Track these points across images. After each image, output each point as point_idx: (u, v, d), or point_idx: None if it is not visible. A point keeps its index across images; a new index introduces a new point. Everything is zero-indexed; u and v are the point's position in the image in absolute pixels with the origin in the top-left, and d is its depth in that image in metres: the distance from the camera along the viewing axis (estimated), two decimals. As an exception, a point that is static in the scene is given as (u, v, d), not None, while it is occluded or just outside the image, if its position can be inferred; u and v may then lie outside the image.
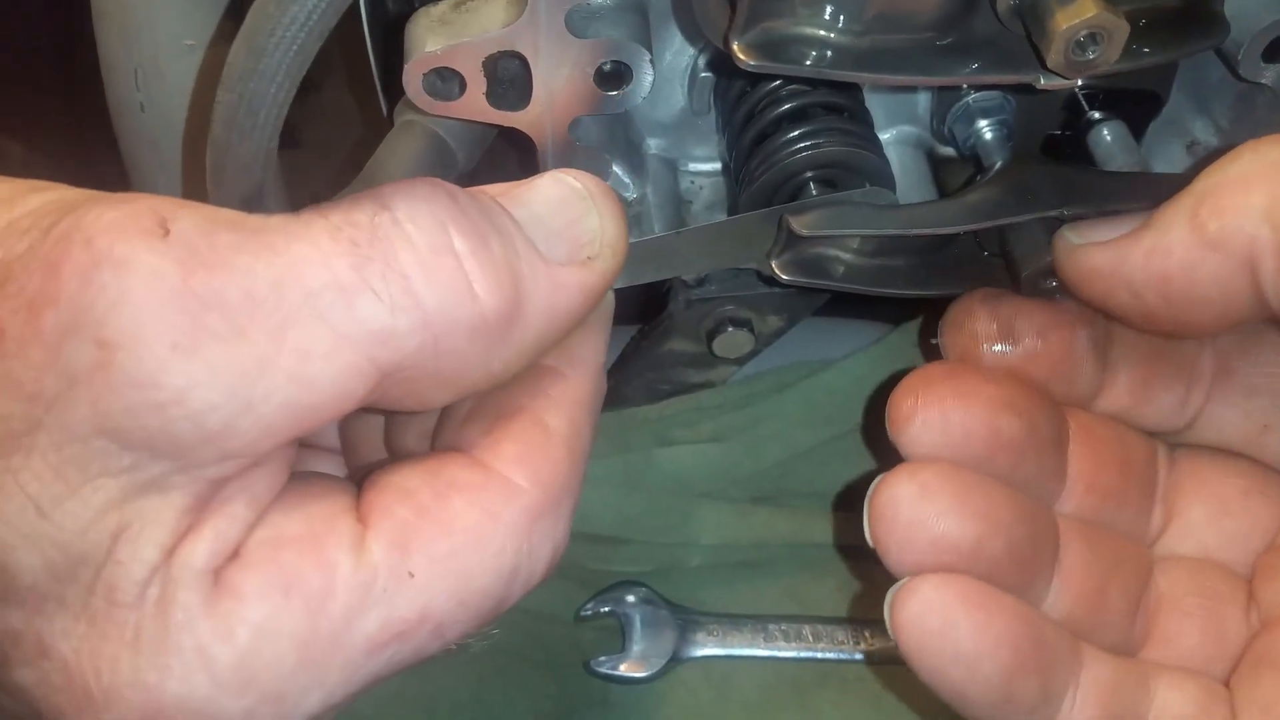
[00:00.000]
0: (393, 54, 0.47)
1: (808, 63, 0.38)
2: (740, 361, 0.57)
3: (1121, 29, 0.38)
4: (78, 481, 0.28)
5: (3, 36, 1.05)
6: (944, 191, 0.53)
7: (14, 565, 0.29)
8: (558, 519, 0.35)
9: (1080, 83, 0.44)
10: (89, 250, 0.28)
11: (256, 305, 0.29)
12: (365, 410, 0.34)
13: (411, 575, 0.32)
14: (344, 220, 0.31)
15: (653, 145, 0.53)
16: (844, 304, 0.56)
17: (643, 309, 0.58)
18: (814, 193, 0.46)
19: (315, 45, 0.33)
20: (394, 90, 0.49)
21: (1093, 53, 0.38)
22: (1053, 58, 0.38)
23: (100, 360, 0.28)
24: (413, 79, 0.43)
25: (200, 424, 0.29)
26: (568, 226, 0.36)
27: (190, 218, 0.30)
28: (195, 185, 0.50)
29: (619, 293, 0.44)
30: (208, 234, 0.29)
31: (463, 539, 0.33)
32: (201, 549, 0.30)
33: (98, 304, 0.28)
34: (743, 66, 0.38)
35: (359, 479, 0.37)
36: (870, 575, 0.57)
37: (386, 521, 0.33)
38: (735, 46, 0.38)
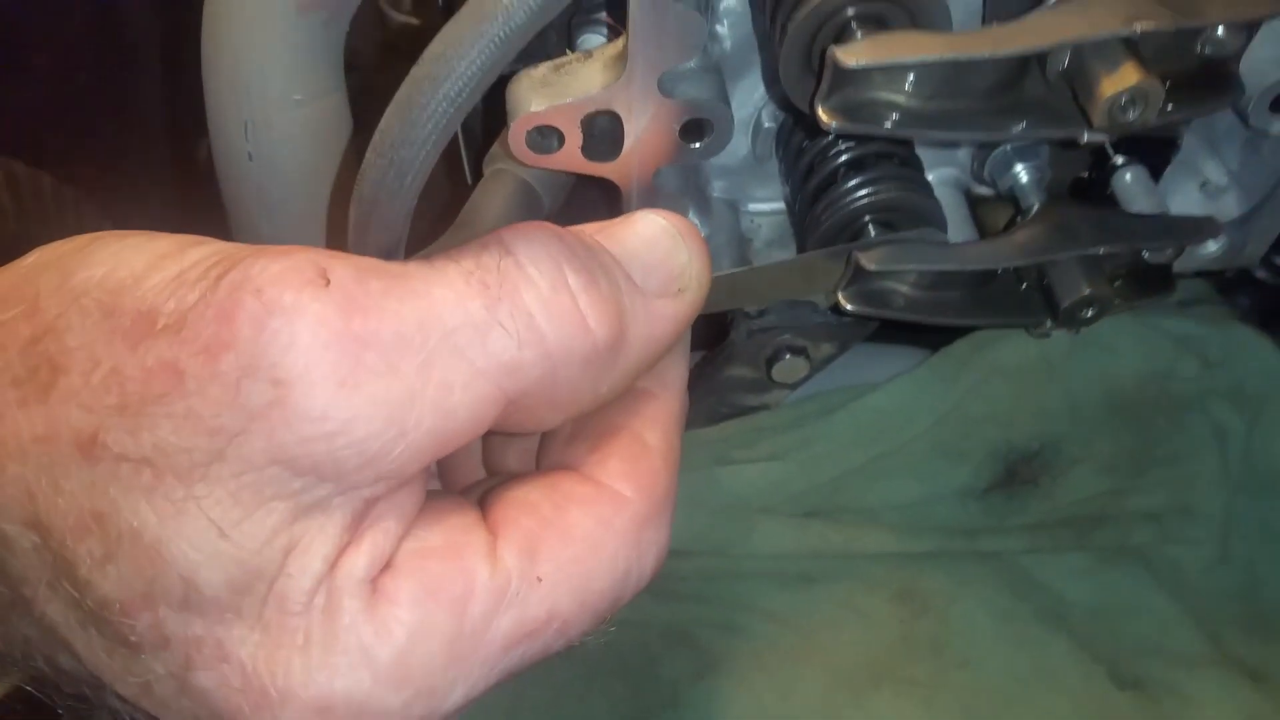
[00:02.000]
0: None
1: (887, 125, 0.43)
2: (794, 386, 0.61)
3: (1158, 93, 0.43)
4: (253, 505, 0.31)
5: (44, 71, 1.08)
6: (981, 227, 0.58)
7: (198, 580, 0.32)
8: (661, 525, 0.39)
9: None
10: (260, 299, 0.31)
11: (406, 343, 0.32)
12: (489, 433, 0.37)
13: (540, 579, 0.35)
14: (474, 264, 0.35)
15: (717, 188, 0.57)
16: (886, 332, 0.61)
17: (704, 338, 0.63)
18: (873, 234, 0.51)
19: (460, 118, 0.37)
20: (476, 149, 0.54)
21: (1133, 113, 0.43)
22: (1098, 119, 0.43)
23: (276, 398, 0.31)
24: (517, 136, 0.47)
25: (362, 451, 0.32)
26: (661, 261, 0.39)
27: (344, 267, 0.33)
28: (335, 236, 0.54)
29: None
30: (361, 281, 0.33)
31: (582, 546, 0.36)
32: (361, 561, 0.33)
33: (271, 347, 0.31)
34: (826, 128, 0.43)
35: (475, 495, 0.40)
36: (916, 589, 0.62)
37: (514, 531, 0.36)
38: (820, 110, 0.43)
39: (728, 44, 0.51)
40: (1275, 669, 0.62)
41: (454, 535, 0.36)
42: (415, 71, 0.37)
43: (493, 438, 0.47)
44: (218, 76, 0.52)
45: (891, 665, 0.59)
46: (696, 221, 0.56)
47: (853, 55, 0.41)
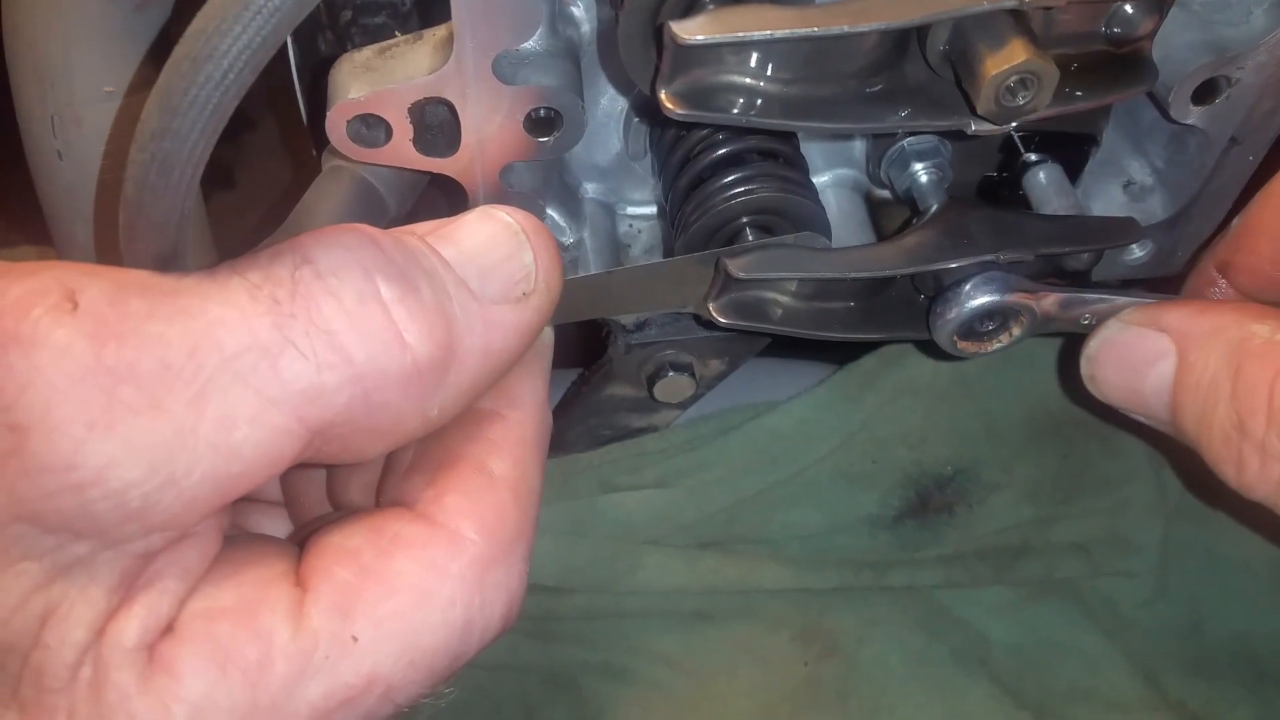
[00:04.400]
0: (322, 96, 0.46)
1: (735, 111, 0.37)
2: (682, 406, 0.56)
3: (1051, 74, 0.38)
4: None
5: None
6: (881, 233, 0.53)
7: None
8: (510, 567, 0.35)
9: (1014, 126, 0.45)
10: None
11: (173, 374, 0.28)
12: (302, 466, 0.33)
13: (355, 639, 0.31)
14: (263, 277, 0.30)
15: (590, 190, 0.52)
16: (786, 345, 0.56)
17: (584, 353, 0.58)
18: (750, 238, 0.45)
19: (232, 103, 0.32)
20: (322, 133, 0.48)
21: (1023, 98, 0.38)
22: (983, 104, 0.38)
23: (12, 446, 0.27)
24: (336, 126, 0.42)
25: (121, 503, 0.28)
26: (500, 263, 0.35)
27: (98, 286, 0.29)
28: (109, 241, 0.48)
29: (559, 337, 0.43)
30: (118, 302, 0.29)
31: (408, 597, 0.32)
32: (133, 626, 0.29)
33: (7, 387, 0.27)
34: (669, 115, 0.38)
35: (304, 535, 0.36)
36: (821, 628, 0.56)
37: (326, 584, 0.32)
38: (662, 95, 0.38)
39: (585, 27, 0.45)
40: (1220, 714, 0.57)
41: (250, 592, 0.32)
42: (175, 52, 0.32)
43: (335, 469, 0.42)
44: (21, 66, 0.47)
45: (794, 713, 0.54)
46: (564, 225, 0.50)
47: (690, 30, 0.35)
